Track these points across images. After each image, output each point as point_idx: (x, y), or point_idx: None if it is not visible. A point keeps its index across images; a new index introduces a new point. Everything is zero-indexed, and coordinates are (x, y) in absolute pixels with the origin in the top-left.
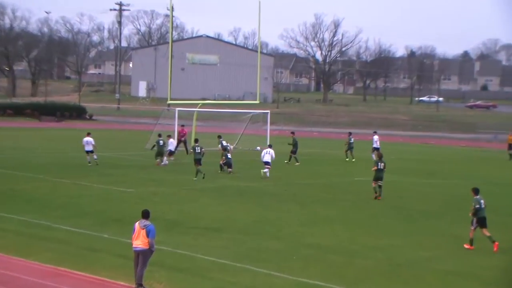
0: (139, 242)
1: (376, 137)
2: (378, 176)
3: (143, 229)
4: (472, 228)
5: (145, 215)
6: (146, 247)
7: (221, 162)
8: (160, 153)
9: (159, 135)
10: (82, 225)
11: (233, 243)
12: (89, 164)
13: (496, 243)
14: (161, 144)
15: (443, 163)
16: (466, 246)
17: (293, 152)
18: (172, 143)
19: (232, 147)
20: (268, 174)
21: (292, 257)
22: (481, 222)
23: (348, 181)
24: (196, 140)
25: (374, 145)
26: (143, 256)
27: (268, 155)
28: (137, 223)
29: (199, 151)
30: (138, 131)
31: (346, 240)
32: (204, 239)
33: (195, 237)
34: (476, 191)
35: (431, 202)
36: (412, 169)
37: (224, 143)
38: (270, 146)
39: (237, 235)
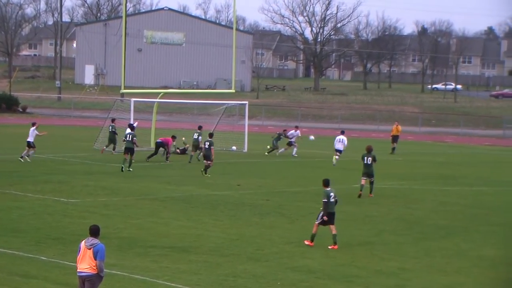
0: (85, 265)
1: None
2: (367, 172)
3: (90, 249)
4: (317, 222)
5: (94, 232)
6: (93, 271)
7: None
8: (111, 141)
9: (112, 120)
10: (12, 245)
11: (203, 267)
12: None
13: (336, 247)
14: (110, 130)
15: (464, 166)
16: (306, 242)
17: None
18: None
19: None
20: (335, 162)
21: (276, 283)
22: (329, 218)
23: (345, 189)
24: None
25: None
26: (90, 283)
27: (340, 143)
28: (83, 242)
29: (129, 139)
30: (84, 127)
31: (343, 262)
32: (168, 262)
33: (157, 259)
34: (326, 183)
35: (450, 214)
36: (425, 173)
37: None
38: (342, 133)
39: (209, 257)
